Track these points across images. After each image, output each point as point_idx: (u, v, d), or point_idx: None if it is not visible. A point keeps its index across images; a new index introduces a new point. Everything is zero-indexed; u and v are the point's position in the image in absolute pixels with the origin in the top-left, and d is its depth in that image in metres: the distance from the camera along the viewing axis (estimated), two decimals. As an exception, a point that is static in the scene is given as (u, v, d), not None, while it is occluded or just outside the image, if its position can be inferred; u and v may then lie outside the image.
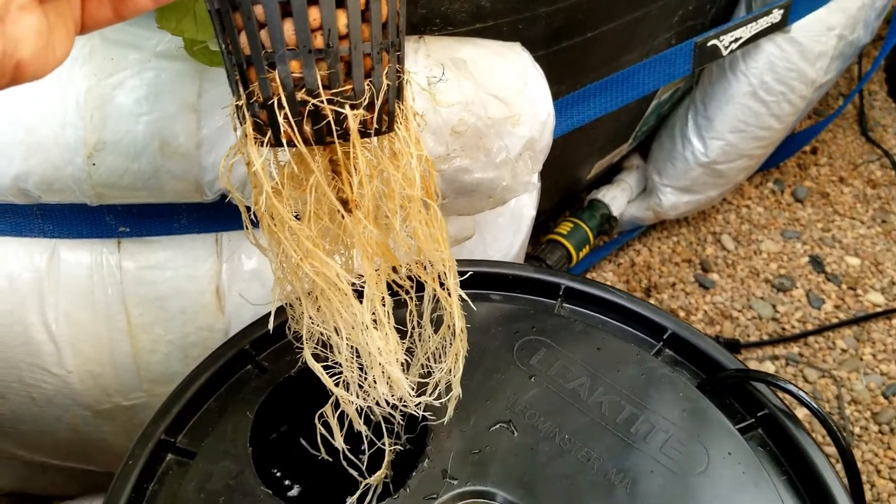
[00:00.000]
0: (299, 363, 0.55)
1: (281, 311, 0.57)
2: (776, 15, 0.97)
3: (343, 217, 0.38)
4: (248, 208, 0.44)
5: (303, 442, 0.50)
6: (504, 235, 0.76)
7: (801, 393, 0.51)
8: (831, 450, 0.86)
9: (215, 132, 0.55)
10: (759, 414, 0.54)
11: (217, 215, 0.62)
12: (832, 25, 1.03)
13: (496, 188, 0.61)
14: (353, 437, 0.49)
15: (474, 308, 0.57)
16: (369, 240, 0.38)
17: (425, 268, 0.43)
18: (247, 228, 0.44)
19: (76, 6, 0.39)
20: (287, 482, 0.51)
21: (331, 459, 0.48)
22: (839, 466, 0.51)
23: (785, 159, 1.38)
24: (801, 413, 0.93)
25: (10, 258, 0.61)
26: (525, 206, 0.77)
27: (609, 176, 1.27)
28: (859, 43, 1.15)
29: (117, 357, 0.64)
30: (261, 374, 0.57)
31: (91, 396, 0.65)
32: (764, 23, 0.96)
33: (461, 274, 0.50)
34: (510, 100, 0.61)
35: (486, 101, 0.59)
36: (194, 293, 0.63)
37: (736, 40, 0.95)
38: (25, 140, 0.54)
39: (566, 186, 1.18)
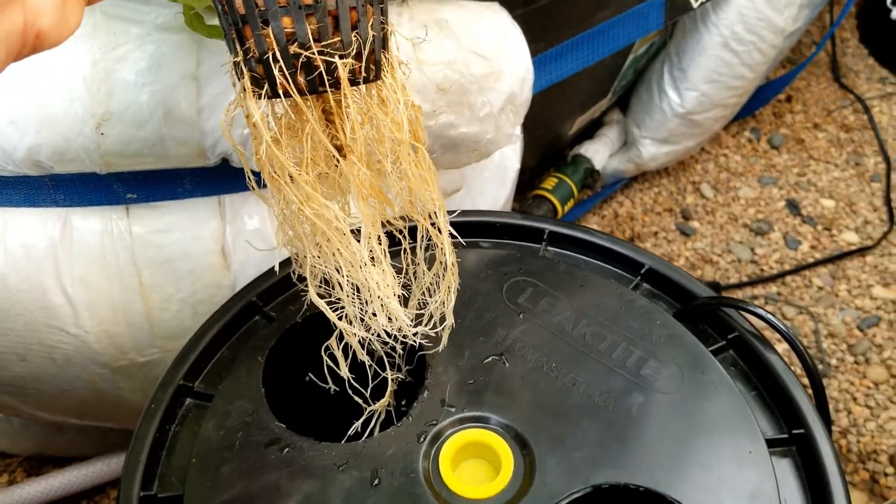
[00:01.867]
0: (304, 310, 0.59)
1: (286, 263, 0.62)
2: (744, -34, 1.00)
3: (338, 162, 0.42)
4: (250, 168, 0.48)
5: (311, 377, 0.54)
6: (490, 189, 0.80)
7: (765, 313, 0.55)
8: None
9: (214, 99, 0.59)
10: (729, 336, 0.58)
11: (219, 179, 0.66)
12: (799, -26, 1.07)
13: (481, 141, 0.65)
14: (357, 373, 0.54)
15: (463, 262, 0.60)
16: (363, 181, 0.42)
17: (416, 207, 0.47)
18: (249, 179, 0.48)
19: None
20: (298, 416, 0.56)
21: (338, 389, 0.53)
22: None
23: (760, 108, 1.42)
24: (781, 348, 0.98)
25: (26, 228, 0.65)
26: (509, 159, 0.81)
27: (591, 131, 1.31)
28: (827, -10, 1.19)
29: (131, 316, 0.68)
30: (268, 323, 0.61)
31: (108, 354, 0.69)
32: (732, -26, 1.00)
33: (452, 226, 0.54)
34: (491, 57, 0.65)
35: (469, 58, 0.63)
36: (201, 253, 0.67)
37: (705, -8, 0.98)
38: (37, 114, 0.57)
39: (549, 143, 1.21)
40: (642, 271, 0.63)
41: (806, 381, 0.58)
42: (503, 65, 0.66)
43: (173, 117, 0.59)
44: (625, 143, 1.29)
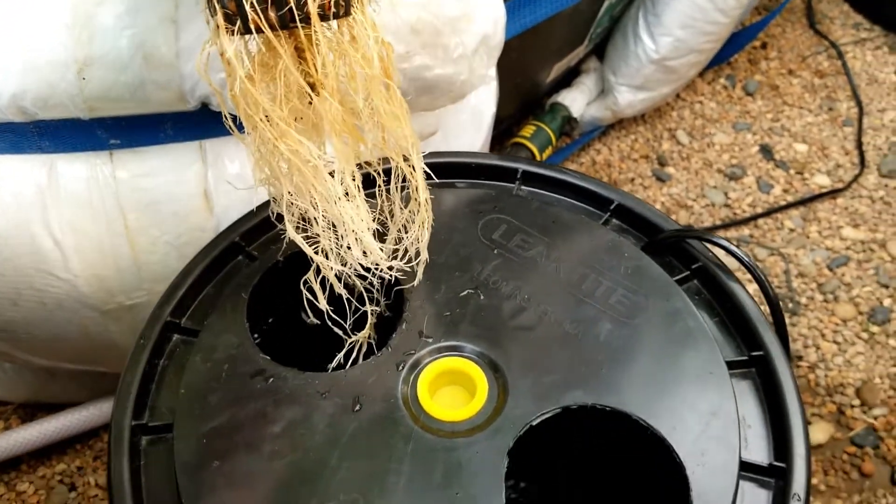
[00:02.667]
0: (284, 249, 0.61)
1: (266, 204, 0.64)
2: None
3: (311, 100, 0.44)
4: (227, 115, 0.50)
5: (295, 311, 0.57)
6: (466, 133, 0.82)
7: (726, 242, 0.58)
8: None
9: (192, 42, 0.60)
10: (693, 266, 0.61)
11: (200, 124, 0.67)
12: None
13: (455, 83, 0.67)
14: (337, 304, 0.56)
15: (439, 202, 0.62)
16: (336, 117, 0.44)
17: (389, 144, 0.48)
18: (225, 118, 0.50)
19: None
20: (282, 351, 0.58)
21: (318, 322, 0.55)
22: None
23: (735, 54, 1.44)
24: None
25: (13, 175, 0.66)
26: (484, 103, 0.82)
27: (568, 79, 1.32)
28: (800, -65, 1.20)
29: (119, 260, 0.69)
30: (251, 262, 0.63)
31: (97, 298, 0.71)
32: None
33: (428, 168, 0.56)
34: (463, -1, 0.66)
35: (442, 0, 0.64)
36: (184, 197, 0.69)
37: (678, -63, 0.99)
38: (21, 60, 0.58)
39: (527, 91, 1.23)
40: (612, 207, 0.66)
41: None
42: (476, 6, 0.67)
43: (153, 61, 0.60)
44: (602, 90, 1.31)
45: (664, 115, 1.37)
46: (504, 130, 1.28)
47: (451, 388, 0.56)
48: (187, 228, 0.69)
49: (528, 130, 1.24)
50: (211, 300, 0.61)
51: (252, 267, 0.63)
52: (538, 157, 1.22)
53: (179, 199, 0.69)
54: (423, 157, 0.58)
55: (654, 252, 0.63)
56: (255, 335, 0.58)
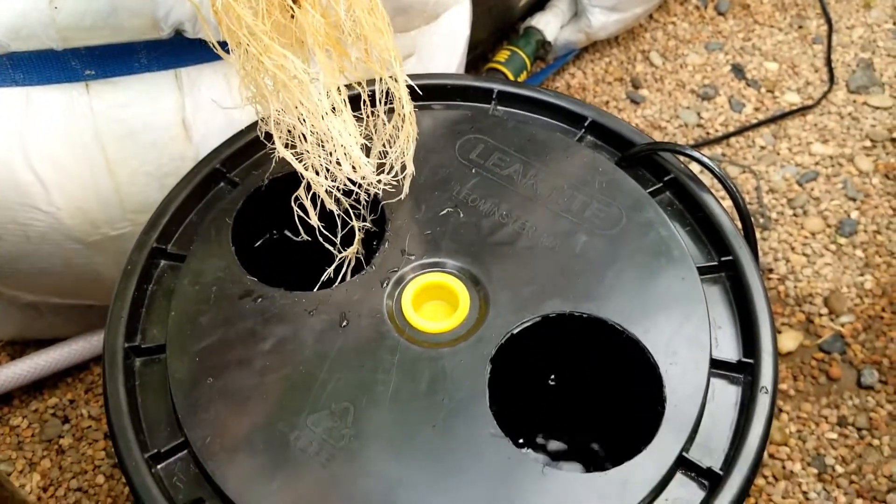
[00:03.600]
0: (267, 176, 0.62)
1: (249, 129, 0.64)
2: None
3: (293, 13, 0.44)
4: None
5: (280, 234, 0.58)
6: (441, 55, 0.82)
7: (696, 153, 0.59)
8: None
9: (164, -34, 0.60)
10: (665, 178, 0.63)
11: (174, 52, 0.67)
12: None
13: (428, 2, 0.67)
14: (327, 225, 0.57)
15: (418, 114, 0.63)
16: (318, 30, 0.44)
17: (372, 55, 0.49)
18: (212, 45, 0.50)
19: None
20: (268, 271, 0.59)
21: (309, 239, 0.56)
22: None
23: (707, -26, 1.44)
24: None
25: (-12, 109, 0.66)
26: (459, 24, 0.83)
27: (541, 3, 1.31)
28: None
29: (100, 191, 0.70)
30: (233, 188, 0.64)
31: (81, 230, 0.72)
32: None
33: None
34: (433, -81, 0.66)
35: (411, -80, 0.64)
36: (162, 126, 0.69)
37: None
38: (-11, -10, 0.58)
39: (500, 15, 1.22)
40: (586, 124, 0.67)
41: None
42: (447, -73, 0.67)
43: (124, -12, 0.60)
44: (575, 13, 1.31)
45: (637, 37, 1.38)
46: (478, 55, 1.28)
47: (434, 303, 0.58)
48: (167, 158, 0.70)
49: (503, 55, 1.24)
50: (195, 227, 0.62)
51: (234, 193, 0.63)
52: (512, 82, 1.22)
53: (157, 129, 0.69)
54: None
55: (627, 166, 0.64)
56: (242, 259, 0.59)
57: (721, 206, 0.60)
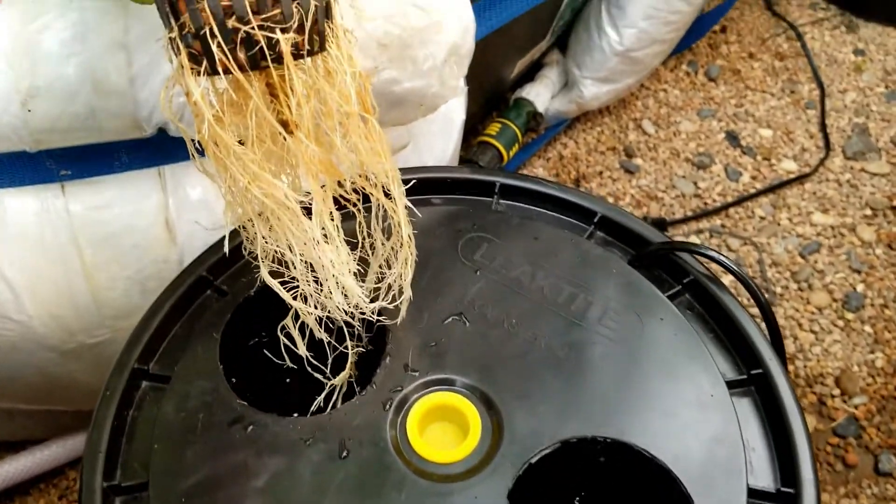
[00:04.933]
0: (258, 283, 0.58)
1: (234, 234, 0.60)
2: None
3: (285, 139, 0.40)
4: (193, 140, 0.46)
5: (268, 354, 0.53)
6: (437, 142, 0.78)
7: (719, 256, 0.56)
8: (760, 315, 0.93)
9: (146, 67, 0.56)
10: (684, 280, 0.59)
11: (157, 150, 0.63)
12: None
13: (426, 95, 0.64)
14: (316, 344, 0.53)
15: (418, 214, 0.59)
16: (312, 158, 0.41)
17: (370, 180, 0.45)
18: (193, 157, 0.46)
19: None
20: (260, 391, 0.55)
21: (296, 367, 0.52)
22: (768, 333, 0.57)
23: (696, 40, 1.42)
24: (727, 281, 0.99)
25: (-46, 213, 0.62)
26: (454, 111, 0.79)
27: (531, 73, 1.29)
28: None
29: (76, 297, 0.65)
30: (221, 297, 0.59)
31: (55, 338, 0.67)
32: None
33: (404, 183, 0.52)
34: (430, 8, 0.63)
35: (408, 11, 0.61)
36: (144, 227, 0.64)
37: (641, -73, 0.97)
38: (-44, 93, 0.54)
39: (491, 88, 1.20)
40: (595, 219, 0.63)
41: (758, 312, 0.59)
42: (444, 15, 0.64)
43: (104, 89, 0.56)
44: (566, 83, 1.28)
45: (629, 105, 1.35)
46: (469, 128, 1.25)
47: (441, 425, 0.54)
48: (150, 261, 0.65)
49: (494, 128, 1.21)
50: (180, 342, 0.57)
51: (222, 302, 0.59)
52: (505, 155, 1.19)
53: (139, 231, 0.65)
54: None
55: (641, 265, 0.60)
56: (230, 377, 0.54)
57: (746, 312, 0.56)
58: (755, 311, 0.89)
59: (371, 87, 0.62)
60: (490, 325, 0.56)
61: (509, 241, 0.62)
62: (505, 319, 0.57)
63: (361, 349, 0.55)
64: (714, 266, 0.59)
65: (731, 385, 0.53)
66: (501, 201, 0.66)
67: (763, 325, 0.57)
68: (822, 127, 1.31)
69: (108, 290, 0.65)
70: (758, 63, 1.44)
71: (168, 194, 0.65)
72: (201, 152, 0.45)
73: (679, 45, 1.32)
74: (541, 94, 1.25)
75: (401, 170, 0.64)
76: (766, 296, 1.07)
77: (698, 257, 0.59)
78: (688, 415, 0.51)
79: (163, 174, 0.65)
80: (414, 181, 0.62)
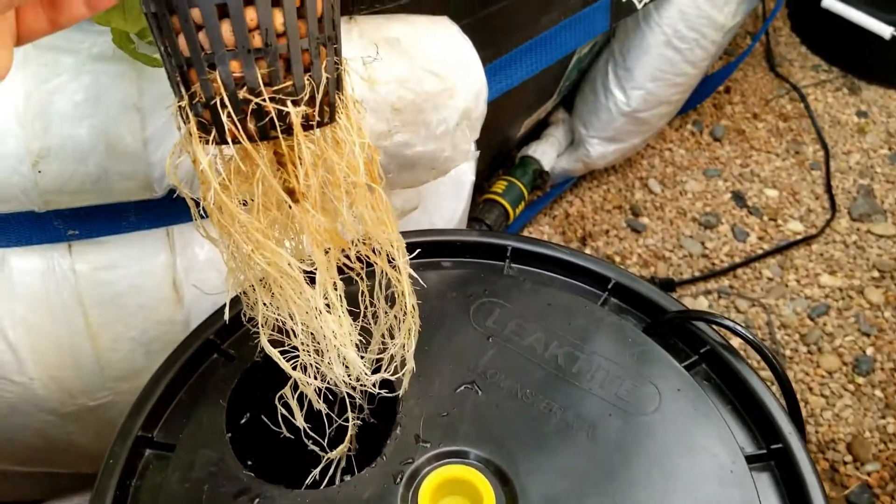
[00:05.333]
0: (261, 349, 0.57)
1: (238, 299, 0.59)
2: (684, -35, 1.00)
3: (290, 207, 0.40)
4: (197, 203, 0.45)
5: (267, 422, 0.52)
6: (447, 203, 0.78)
7: (737, 326, 0.55)
8: (768, 374, 0.92)
9: (160, 129, 0.56)
10: (701, 351, 0.58)
11: (166, 210, 0.63)
12: (736, -29, 1.07)
13: (438, 159, 0.64)
14: (318, 415, 0.51)
15: (425, 282, 0.58)
16: (318, 228, 0.40)
17: (374, 250, 0.45)
18: (196, 221, 0.45)
19: (12, 21, 0.39)
20: (267, 459, 0.53)
21: (293, 437, 0.50)
22: (777, 390, 0.56)
23: (701, 101, 1.43)
24: (737, 343, 0.98)
25: (-41, 272, 0.61)
26: (464, 172, 0.79)
27: (537, 132, 1.30)
28: (763, -16, 1.20)
29: (79, 359, 0.64)
30: (228, 361, 0.58)
31: (56, 400, 0.66)
32: (673, -27, 1.00)
33: (412, 247, 0.52)
34: (444, 73, 0.63)
35: (421, 76, 0.61)
36: (151, 288, 0.64)
37: (648, -8, 0.98)
38: (-34, 153, 0.53)
39: (498, 146, 1.20)
40: (609, 286, 0.62)
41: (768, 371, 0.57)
42: (456, 80, 0.64)
43: (116, 151, 0.56)
44: (572, 142, 1.29)
45: (635, 164, 1.36)
46: (475, 186, 1.25)
47: (454, 500, 0.52)
48: (155, 322, 0.64)
49: (500, 186, 1.21)
50: (185, 408, 0.56)
51: (229, 367, 0.58)
52: (511, 214, 1.19)
53: (146, 292, 0.64)
54: (405, 235, 0.53)
55: (657, 334, 0.59)
56: (237, 444, 0.53)
57: (764, 384, 0.55)
58: (765, 373, 0.87)
59: (383, 150, 0.62)
60: (503, 395, 0.55)
61: (522, 307, 0.61)
62: (518, 389, 0.56)
63: (360, 422, 0.53)
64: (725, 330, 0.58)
65: (750, 460, 0.52)
66: (513, 265, 0.66)
67: (778, 392, 0.56)
68: (828, 188, 1.31)
69: (112, 351, 0.64)
70: (762, 124, 1.44)
71: (176, 254, 0.64)
72: (205, 215, 0.45)
73: (685, 105, 1.33)
74: (547, 153, 1.25)
75: (410, 232, 0.64)
76: (777, 359, 1.06)
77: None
78: (708, 491, 0.50)
79: (171, 234, 0.64)
80: (421, 244, 0.61)
